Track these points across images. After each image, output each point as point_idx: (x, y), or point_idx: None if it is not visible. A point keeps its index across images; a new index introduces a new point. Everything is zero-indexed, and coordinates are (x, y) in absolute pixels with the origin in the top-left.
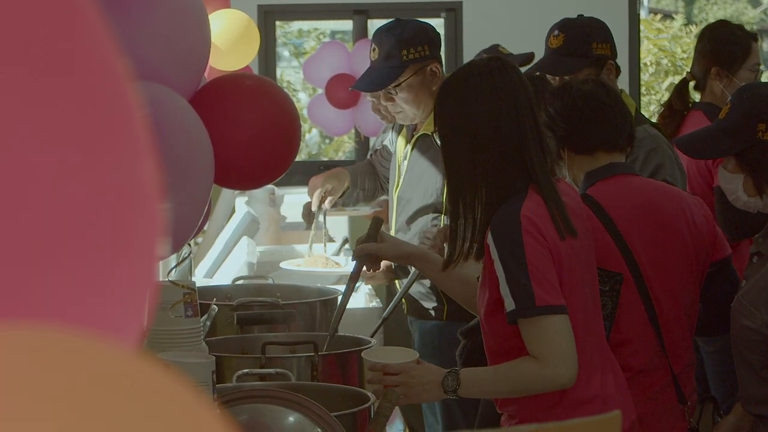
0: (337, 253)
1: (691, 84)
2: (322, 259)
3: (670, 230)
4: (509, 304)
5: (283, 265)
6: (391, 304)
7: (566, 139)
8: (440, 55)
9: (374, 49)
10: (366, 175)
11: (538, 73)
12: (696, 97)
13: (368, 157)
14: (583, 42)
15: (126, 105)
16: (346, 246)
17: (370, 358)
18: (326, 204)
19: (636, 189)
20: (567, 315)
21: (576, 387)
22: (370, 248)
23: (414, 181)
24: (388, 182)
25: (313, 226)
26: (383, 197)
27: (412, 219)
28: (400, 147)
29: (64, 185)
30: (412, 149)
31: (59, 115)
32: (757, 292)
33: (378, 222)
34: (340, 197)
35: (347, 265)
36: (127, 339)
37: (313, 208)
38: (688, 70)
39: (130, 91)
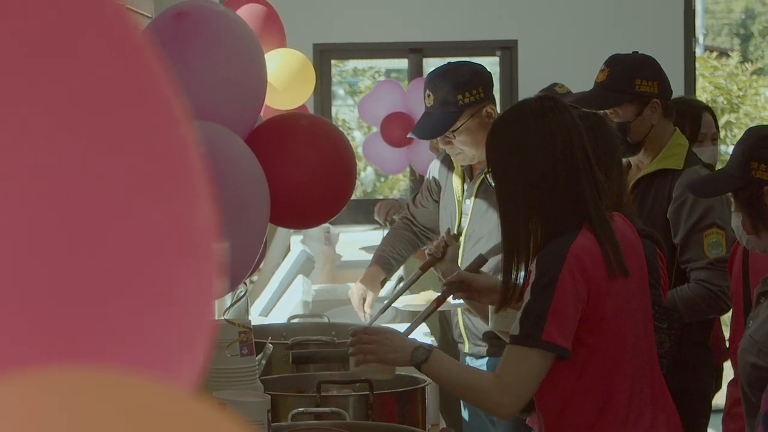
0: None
1: None
2: (434, 296)
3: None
4: (514, 329)
5: (399, 305)
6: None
7: None
8: (494, 96)
9: (429, 95)
10: (398, 247)
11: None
12: None
13: (405, 212)
14: (626, 78)
15: (183, 145)
16: (401, 285)
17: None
18: (367, 308)
19: None
20: (554, 358)
21: (626, 423)
22: (466, 276)
23: (485, 219)
24: (429, 232)
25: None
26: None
27: (490, 254)
28: (457, 185)
29: (122, 225)
30: (480, 186)
31: (116, 155)
32: None
33: (481, 261)
34: (383, 281)
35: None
36: (185, 378)
37: (360, 316)
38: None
39: (187, 131)
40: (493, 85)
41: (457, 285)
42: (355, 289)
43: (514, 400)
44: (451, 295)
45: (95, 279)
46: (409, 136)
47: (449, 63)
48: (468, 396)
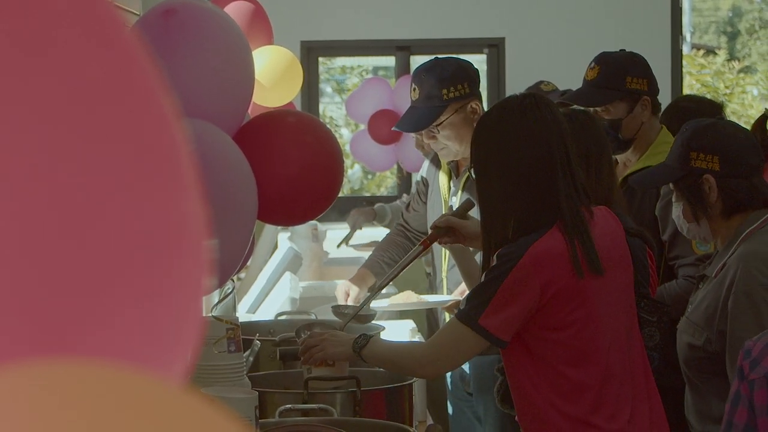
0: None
1: None
2: (413, 296)
3: None
4: (462, 303)
5: (382, 305)
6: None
7: None
8: (480, 92)
9: (414, 89)
10: (391, 251)
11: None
12: None
13: (399, 219)
14: (617, 75)
15: (173, 141)
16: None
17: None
18: (350, 302)
19: None
20: (487, 345)
21: (601, 419)
22: (454, 222)
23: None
24: (420, 235)
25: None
26: None
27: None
28: (444, 183)
29: (112, 221)
30: (465, 183)
31: (106, 151)
32: (703, 310)
33: (470, 204)
34: (371, 288)
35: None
36: (175, 373)
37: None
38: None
39: (177, 128)
40: (479, 82)
41: (445, 230)
42: (340, 285)
43: (435, 364)
44: (439, 297)
45: (85, 274)
46: (393, 129)
47: (436, 58)
48: (401, 361)
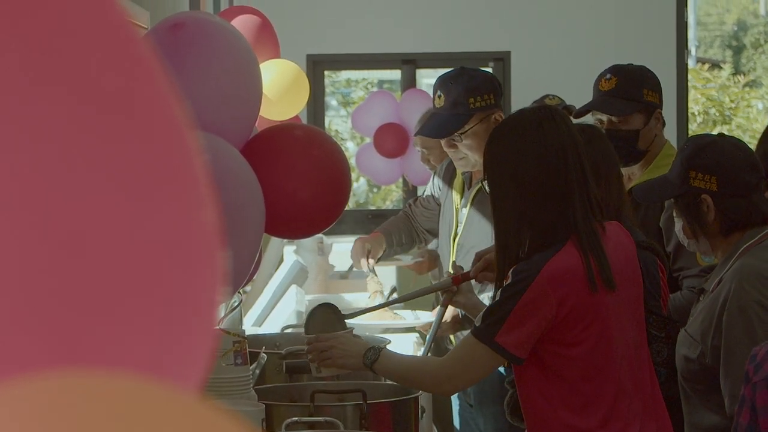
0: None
1: None
2: (388, 313)
3: None
4: (478, 320)
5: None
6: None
7: None
8: (502, 105)
9: (439, 96)
10: (401, 231)
11: (591, 123)
12: None
13: (405, 207)
14: (635, 86)
15: (188, 152)
16: (394, 295)
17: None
18: (371, 262)
19: None
20: (504, 362)
21: (608, 430)
22: (478, 275)
23: (477, 228)
24: (426, 233)
25: (368, 272)
26: (427, 247)
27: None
28: (456, 197)
29: (128, 231)
30: (475, 196)
31: (122, 162)
32: (699, 324)
33: None
34: (379, 259)
35: (413, 319)
36: (189, 384)
37: (363, 268)
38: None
39: (192, 141)
40: (502, 95)
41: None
42: (358, 244)
43: (451, 381)
44: (413, 319)
45: (101, 284)
46: (416, 134)
47: (462, 67)
48: (416, 377)
